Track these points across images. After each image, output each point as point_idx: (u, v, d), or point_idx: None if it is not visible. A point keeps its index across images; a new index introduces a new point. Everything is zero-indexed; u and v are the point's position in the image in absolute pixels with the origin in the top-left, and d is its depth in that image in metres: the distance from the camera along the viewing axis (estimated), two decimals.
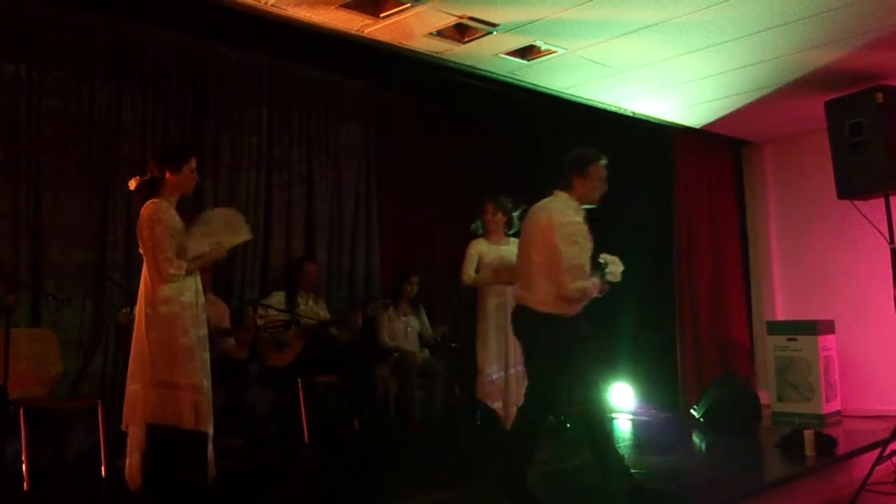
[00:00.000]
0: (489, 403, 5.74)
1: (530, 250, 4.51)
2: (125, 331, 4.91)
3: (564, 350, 4.39)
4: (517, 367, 5.77)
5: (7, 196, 5.46)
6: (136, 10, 5.81)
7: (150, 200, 4.24)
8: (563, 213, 4.39)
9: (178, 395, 4.13)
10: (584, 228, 4.41)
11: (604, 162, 4.51)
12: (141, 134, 6.06)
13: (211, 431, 4.26)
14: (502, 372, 5.76)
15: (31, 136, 5.57)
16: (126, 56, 6.01)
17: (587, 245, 4.40)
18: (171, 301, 4.18)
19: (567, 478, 5.35)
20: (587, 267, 4.36)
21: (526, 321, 4.52)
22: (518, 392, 5.74)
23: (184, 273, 4.20)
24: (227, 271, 6.46)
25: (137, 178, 4.35)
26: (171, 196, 4.30)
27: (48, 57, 5.64)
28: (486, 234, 5.92)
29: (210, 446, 4.26)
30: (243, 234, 4.57)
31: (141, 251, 4.27)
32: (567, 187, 4.52)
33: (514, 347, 5.75)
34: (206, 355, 4.31)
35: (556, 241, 4.31)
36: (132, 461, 4.15)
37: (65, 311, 5.54)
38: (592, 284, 4.38)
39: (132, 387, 4.21)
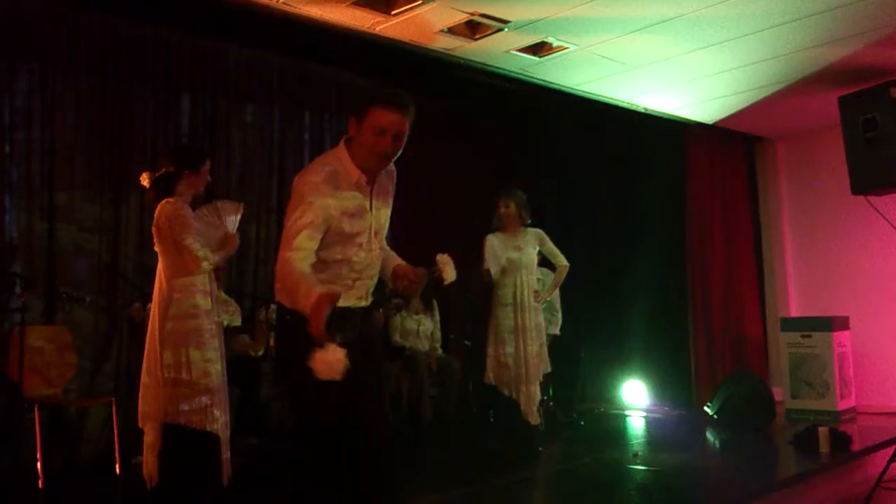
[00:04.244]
0: (499, 387, 5.74)
1: None
2: (138, 326, 4.93)
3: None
4: (534, 361, 5.80)
5: (22, 195, 5.49)
6: (147, 10, 5.83)
7: (167, 199, 4.26)
8: (303, 174, 3.03)
9: (188, 394, 4.15)
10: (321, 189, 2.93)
11: (395, 110, 2.96)
12: (153, 133, 6.08)
13: (222, 432, 4.25)
14: (512, 356, 5.76)
15: (45, 135, 5.59)
16: (137, 56, 6.03)
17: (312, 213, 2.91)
18: (185, 300, 4.20)
19: (580, 475, 5.35)
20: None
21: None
22: (532, 375, 5.77)
23: (213, 264, 4.25)
24: (240, 271, 6.48)
25: (149, 173, 4.38)
26: (185, 193, 4.32)
27: (61, 58, 5.67)
28: (501, 227, 5.94)
29: (225, 446, 4.26)
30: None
31: (156, 249, 4.29)
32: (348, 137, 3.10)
33: (529, 339, 5.78)
34: (220, 355, 4.33)
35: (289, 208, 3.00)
36: (149, 459, 4.18)
37: (79, 309, 5.58)
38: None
39: (146, 385, 4.24)
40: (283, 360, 3.19)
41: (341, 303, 2.87)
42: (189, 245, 4.17)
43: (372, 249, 3.11)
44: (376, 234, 3.12)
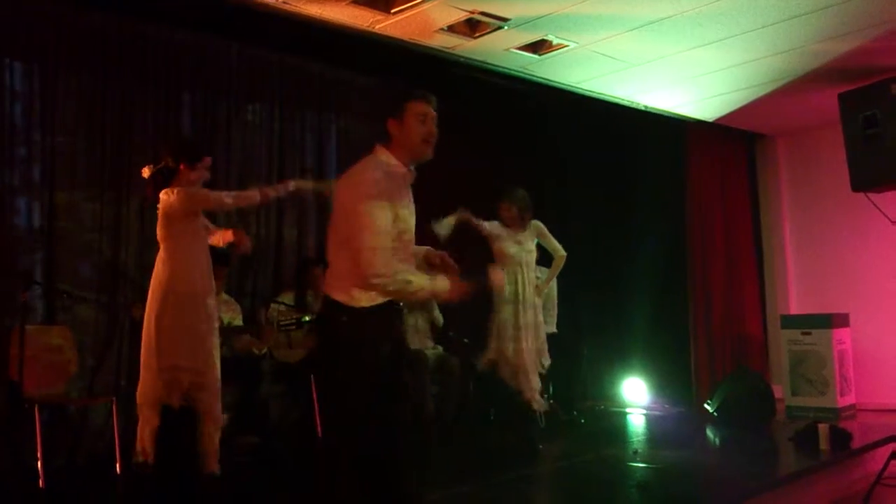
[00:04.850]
0: (494, 374, 5.77)
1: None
2: (139, 325, 4.94)
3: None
4: (533, 357, 5.82)
5: (22, 193, 5.49)
6: (147, 9, 5.82)
7: (172, 188, 4.28)
8: (363, 172, 3.28)
9: (176, 377, 4.16)
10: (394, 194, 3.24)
11: (428, 101, 3.36)
12: (153, 132, 6.07)
13: (210, 414, 4.25)
14: (513, 351, 5.79)
15: (46, 135, 5.59)
16: (137, 56, 6.01)
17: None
18: (184, 290, 4.23)
19: (580, 473, 5.35)
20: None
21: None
22: (532, 368, 5.80)
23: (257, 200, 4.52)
24: (241, 270, 6.47)
25: (151, 166, 4.40)
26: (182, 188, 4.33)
27: (61, 58, 5.66)
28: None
29: (214, 438, 4.27)
30: None
31: (159, 238, 4.30)
32: (386, 139, 3.36)
33: (530, 336, 5.80)
34: (216, 346, 4.36)
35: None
36: (143, 439, 4.20)
37: (79, 308, 5.57)
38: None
39: (143, 371, 4.27)
40: (336, 359, 3.26)
41: (388, 297, 3.20)
42: (220, 199, 4.42)
43: (412, 248, 3.36)
44: (412, 232, 3.36)
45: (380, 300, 3.18)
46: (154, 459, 4.20)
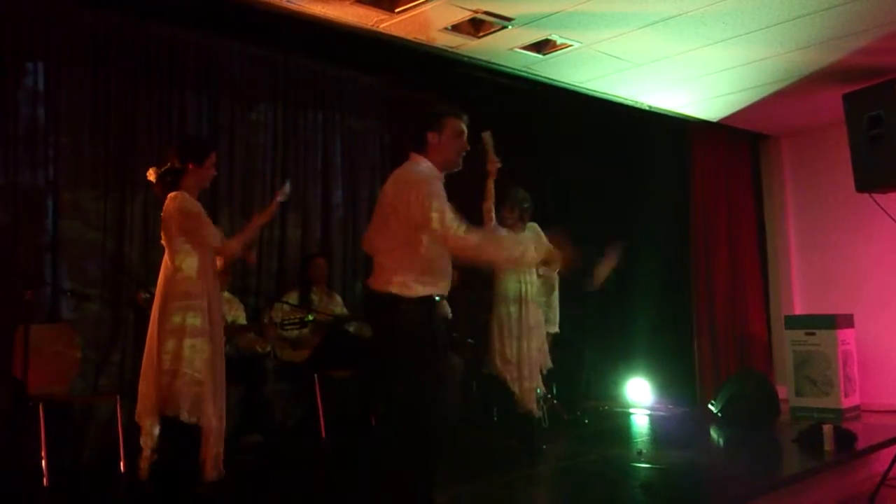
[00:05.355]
0: (499, 376, 5.76)
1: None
2: (143, 313, 4.93)
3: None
4: (535, 357, 5.81)
5: (26, 193, 5.50)
6: (150, 8, 5.83)
7: (173, 194, 4.27)
8: (420, 173, 3.69)
9: (179, 386, 4.13)
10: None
11: (463, 119, 3.80)
12: (157, 132, 6.08)
13: (210, 424, 4.22)
14: (516, 352, 5.78)
15: (49, 133, 5.60)
16: (141, 55, 6.02)
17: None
18: (188, 293, 4.20)
19: (584, 473, 5.34)
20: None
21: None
22: (533, 370, 5.78)
23: (237, 248, 4.41)
24: (244, 269, 6.48)
25: (156, 168, 4.38)
26: (191, 188, 4.33)
27: (65, 56, 5.66)
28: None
29: (217, 442, 4.24)
30: None
31: (163, 243, 4.29)
32: (422, 148, 3.74)
33: (532, 336, 5.79)
34: (220, 352, 4.33)
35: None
36: (144, 452, 4.18)
37: (83, 307, 5.58)
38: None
39: (144, 378, 4.25)
40: (399, 342, 3.55)
41: (442, 291, 3.63)
42: (205, 232, 4.28)
43: None
44: None
45: (430, 291, 3.54)
46: (149, 474, 4.17)
